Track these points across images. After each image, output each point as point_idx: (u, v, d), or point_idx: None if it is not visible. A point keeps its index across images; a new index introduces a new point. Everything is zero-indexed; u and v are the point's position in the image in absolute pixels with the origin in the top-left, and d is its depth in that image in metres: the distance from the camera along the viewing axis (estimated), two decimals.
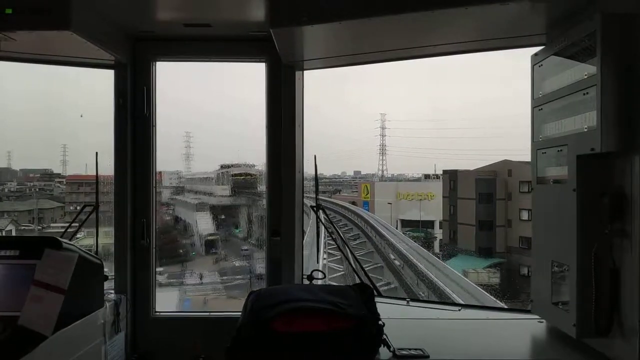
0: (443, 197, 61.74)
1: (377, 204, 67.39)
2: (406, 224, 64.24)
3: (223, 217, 34.02)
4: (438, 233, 62.67)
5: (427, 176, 75.30)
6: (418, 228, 62.80)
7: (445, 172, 64.47)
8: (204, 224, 32.21)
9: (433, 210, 64.35)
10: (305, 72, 4.91)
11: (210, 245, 31.55)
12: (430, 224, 64.23)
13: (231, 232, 33.64)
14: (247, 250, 31.57)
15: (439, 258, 42.81)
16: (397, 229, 57.00)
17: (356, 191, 77.55)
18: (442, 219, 61.77)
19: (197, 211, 32.90)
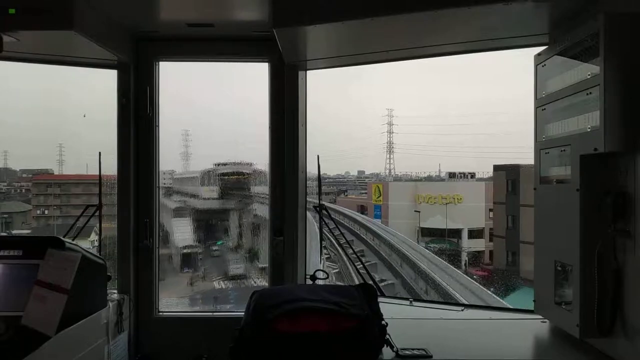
0: (494, 203, 46.72)
1: (393, 209, 56.56)
2: (427, 232, 53.09)
3: (206, 223, 27.45)
4: (467, 245, 49.97)
5: (452, 175, 62.10)
6: (443, 238, 51.50)
7: (498, 168, 47.04)
8: (181, 233, 26.91)
9: (460, 217, 51.76)
10: (308, 71, 4.92)
11: (186, 261, 24.53)
12: (456, 233, 51.78)
13: (215, 243, 27.64)
14: (217, 250, 27.07)
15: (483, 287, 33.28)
16: (417, 240, 49.46)
17: (365, 192, 65.29)
18: (494, 232, 45.97)
19: (174, 217, 27.38)
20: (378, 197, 59.04)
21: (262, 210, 5.15)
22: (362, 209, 58.43)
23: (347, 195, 68.14)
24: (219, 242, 27.54)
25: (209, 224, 29.33)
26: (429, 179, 65.93)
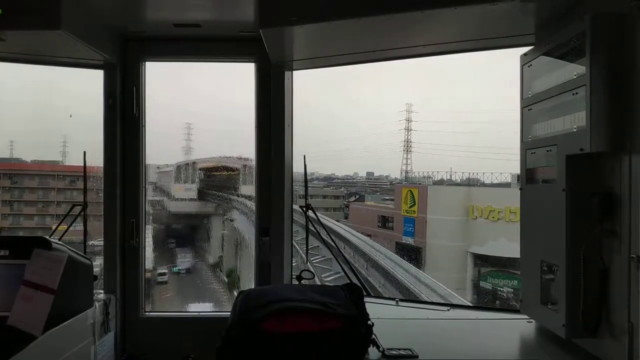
0: None
1: (434, 226, 38.86)
2: (482, 261, 36.88)
3: (174, 236, 24.67)
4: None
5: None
6: (509, 272, 32.95)
7: None
8: None
9: None
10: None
11: None
12: None
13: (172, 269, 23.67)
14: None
15: None
16: (467, 271, 36.59)
17: (388, 199, 48.55)
18: None
19: None
20: (410, 207, 41.83)
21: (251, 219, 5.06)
22: (385, 221, 44.94)
23: (357, 197, 52.79)
24: (175, 269, 23.44)
25: (175, 237, 25.22)
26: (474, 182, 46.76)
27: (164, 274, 22.24)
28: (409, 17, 3.51)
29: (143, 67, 5.02)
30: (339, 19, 3.58)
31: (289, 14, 3.65)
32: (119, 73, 4.87)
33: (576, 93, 3.08)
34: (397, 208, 43.10)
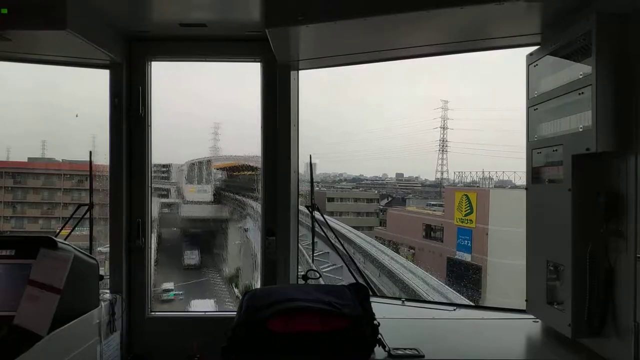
0: None
1: (498, 241, 29.38)
2: None
3: (183, 243, 22.81)
4: None
5: None
6: None
7: None
8: None
9: None
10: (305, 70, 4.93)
11: None
12: None
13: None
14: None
15: None
16: None
17: (435, 204, 40.21)
18: None
19: None
20: (466, 215, 33.40)
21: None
22: (430, 231, 36.43)
23: (390, 200, 45.56)
24: (171, 294, 20.38)
25: (185, 240, 23.29)
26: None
27: (169, 290, 20.12)
28: (415, 16, 3.51)
29: (149, 66, 5.02)
30: (346, 19, 3.58)
31: (295, 13, 3.64)
32: (125, 73, 4.87)
33: (582, 93, 3.08)
34: (447, 216, 35.19)
